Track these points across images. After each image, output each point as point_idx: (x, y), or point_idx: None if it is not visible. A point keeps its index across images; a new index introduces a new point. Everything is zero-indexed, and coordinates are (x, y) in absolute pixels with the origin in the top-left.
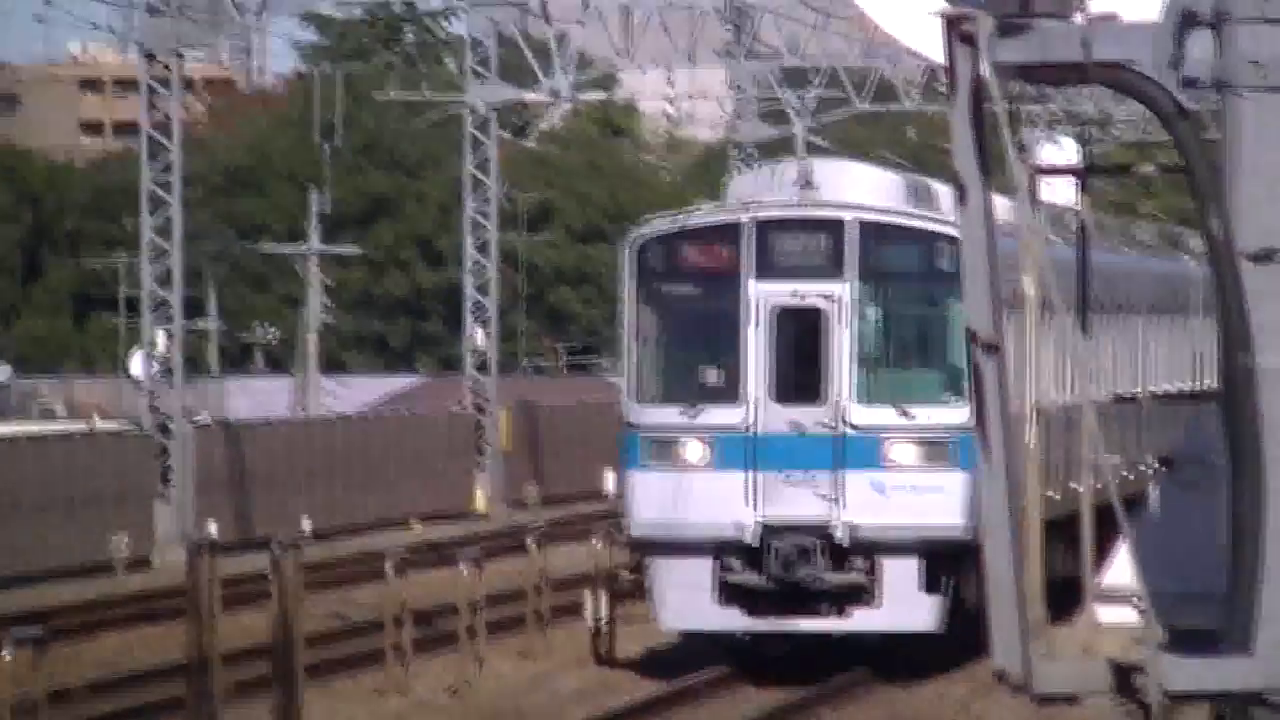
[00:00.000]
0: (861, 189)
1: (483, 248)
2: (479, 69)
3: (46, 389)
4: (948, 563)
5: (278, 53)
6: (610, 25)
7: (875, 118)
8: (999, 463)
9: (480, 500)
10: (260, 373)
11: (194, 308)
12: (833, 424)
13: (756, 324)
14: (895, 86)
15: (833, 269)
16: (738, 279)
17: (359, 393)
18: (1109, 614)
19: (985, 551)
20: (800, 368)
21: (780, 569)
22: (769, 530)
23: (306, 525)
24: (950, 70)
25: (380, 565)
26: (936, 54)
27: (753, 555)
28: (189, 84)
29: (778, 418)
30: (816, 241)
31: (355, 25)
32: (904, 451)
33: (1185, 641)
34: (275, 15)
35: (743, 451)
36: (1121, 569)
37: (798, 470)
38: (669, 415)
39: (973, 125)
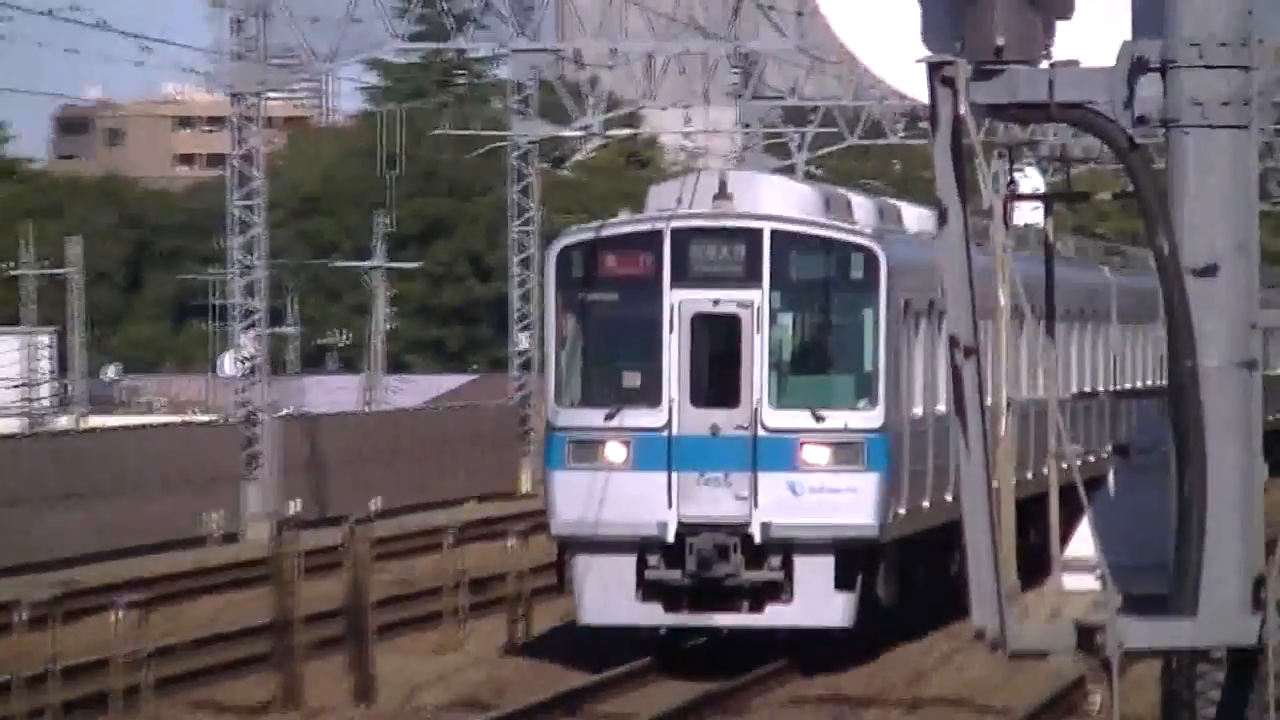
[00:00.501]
0: (777, 200)
1: (526, 262)
2: (521, 108)
3: (148, 385)
4: (859, 560)
5: (346, 94)
6: (635, 70)
7: (865, 151)
8: (977, 451)
9: (525, 482)
10: (333, 372)
11: (276, 315)
12: (748, 426)
13: (674, 329)
14: (882, 123)
15: (749, 277)
16: (657, 286)
17: (419, 389)
18: (1073, 581)
19: (965, 526)
20: (717, 372)
21: (698, 566)
22: (687, 528)
23: (375, 504)
24: (932, 109)
25: (439, 538)
26: (920, 95)
27: (671, 553)
28: (270, 120)
29: (695, 420)
30: (733, 250)
31: (413, 69)
32: (817, 453)
33: (1139, 605)
34: (344, 61)
35: (662, 452)
36: (1083, 542)
37: (715, 471)
38: (590, 417)
39: (952, 157)
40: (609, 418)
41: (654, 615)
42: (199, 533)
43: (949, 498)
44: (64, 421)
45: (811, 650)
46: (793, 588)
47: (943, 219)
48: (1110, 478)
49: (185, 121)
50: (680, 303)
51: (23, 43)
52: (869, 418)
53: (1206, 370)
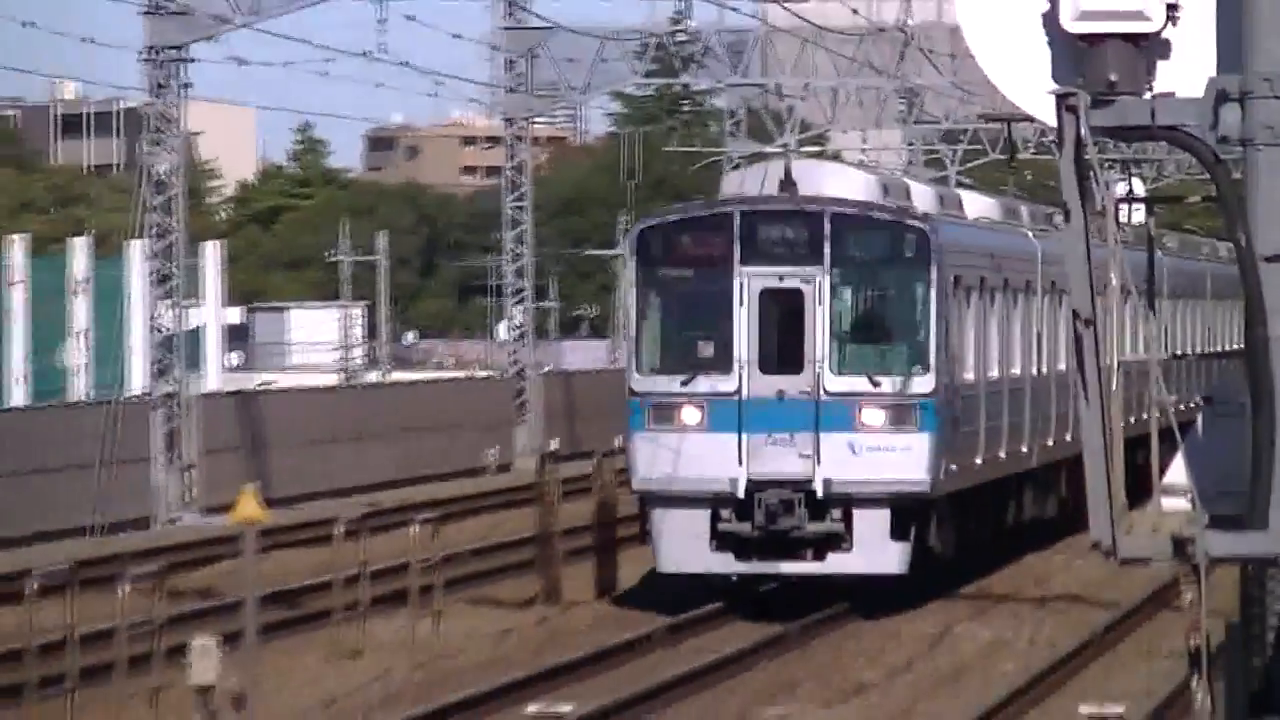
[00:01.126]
0: (838, 186)
1: None
2: (733, 130)
3: (439, 348)
4: (913, 513)
5: (596, 119)
6: (823, 100)
7: (1004, 164)
8: (1095, 400)
9: None
10: (585, 337)
11: (539, 292)
12: (811, 391)
13: (744, 303)
14: (1018, 142)
15: (811, 255)
16: (728, 264)
17: None
18: (1170, 504)
19: (1086, 460)
20: (783, 342)
21: (766, 519)
22: (756, 485)
23: (617, 441)
24: (1060, 131)
25: None
26: (1050, 119)
27: (742, 507)
28: (535, 140)
29: (763, 386)
30: (796, 231)
31: (649, 100)
32: (874, 415)
33: (1222, 523)
34: (595, 93)
35: (733, 415)
36: (1178, 472)
37: (781, 432)
38: (668, 384)
39: (1075, 169)
40: (685, 384)
41: (726, 564)
42: (479, 465)
43: (1002, 454)
44: (372, 376)
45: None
46: (852, 538)
47: (1067, 217)
48: (1198, 422)
49: (469, 141)
50: (749, 279)
51: (342, 79)
52: (921, 383)
53: (1276, 337)
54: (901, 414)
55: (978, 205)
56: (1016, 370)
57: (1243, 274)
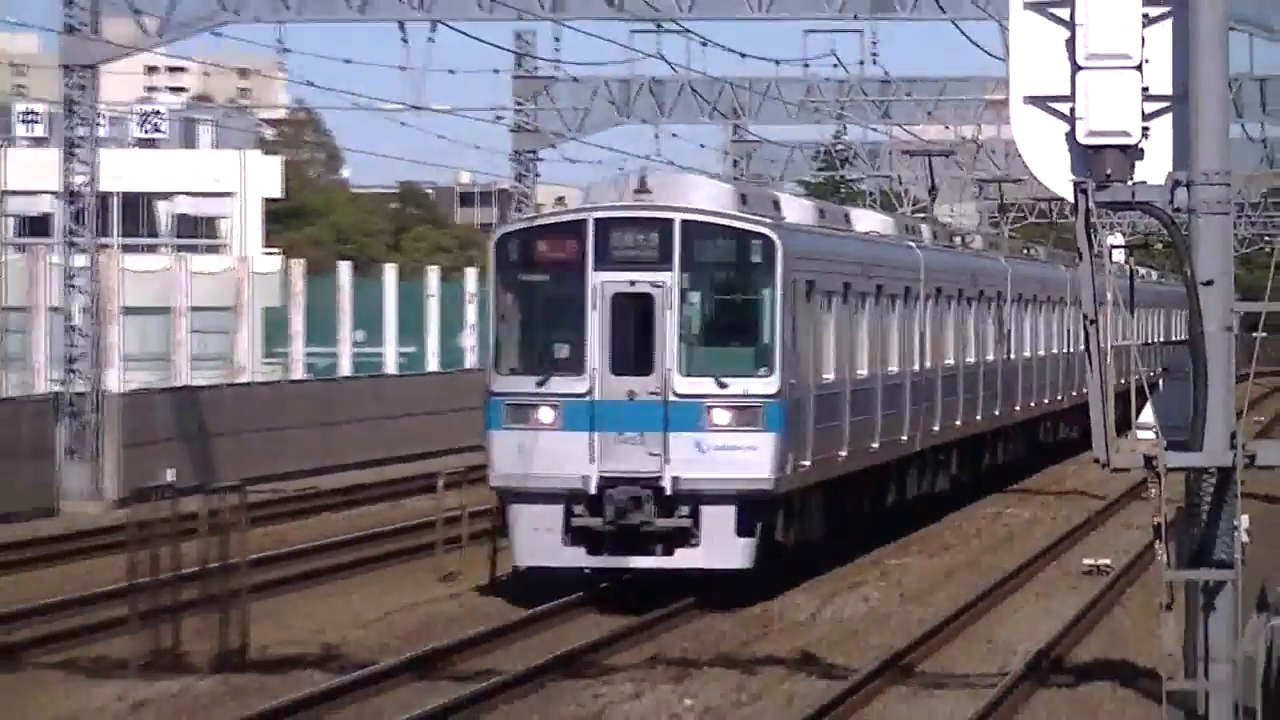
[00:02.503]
0: (693, 196)
1: None
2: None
3: None
4: (758, 509)
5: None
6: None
7: (1036, 224)
8: (1098, 367)
9: None
10: None
11: None
12: (661, 392)
13: (596, 307)
14: (1049, 208)
15: (661, 260)
16: (582, 269)
17: None
18: (1142, 434)
19: (1090, 405)
20: (634, 344)
21: (616, 514)
22: (607, 481)
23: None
24: (1076, 204)
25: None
26: (1069, 196)
27: (594, 503)
28: None
29: (615, 387)
30: (648, 237)
31: (821, 185)
32: (720, 416)
33: (1175, 446)
34: (788, 180)
35: (586, 415)
36: (1147, 415)
37: (632, 431)
38: (524, 384)
39: (1085, 227)
40: (540, 384)
41: (579, 558)
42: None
43: (875, 444)
44: None
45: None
46: (700, 534)
47: (1080, 258)
48: (1160, 384)
49: None
50: (602, 283)
51: None
52: (766, 384)
53: (1209, 332)
54: (747, 414)
55: (869, 222)
56: (894, 368)
57: (1188, 292)
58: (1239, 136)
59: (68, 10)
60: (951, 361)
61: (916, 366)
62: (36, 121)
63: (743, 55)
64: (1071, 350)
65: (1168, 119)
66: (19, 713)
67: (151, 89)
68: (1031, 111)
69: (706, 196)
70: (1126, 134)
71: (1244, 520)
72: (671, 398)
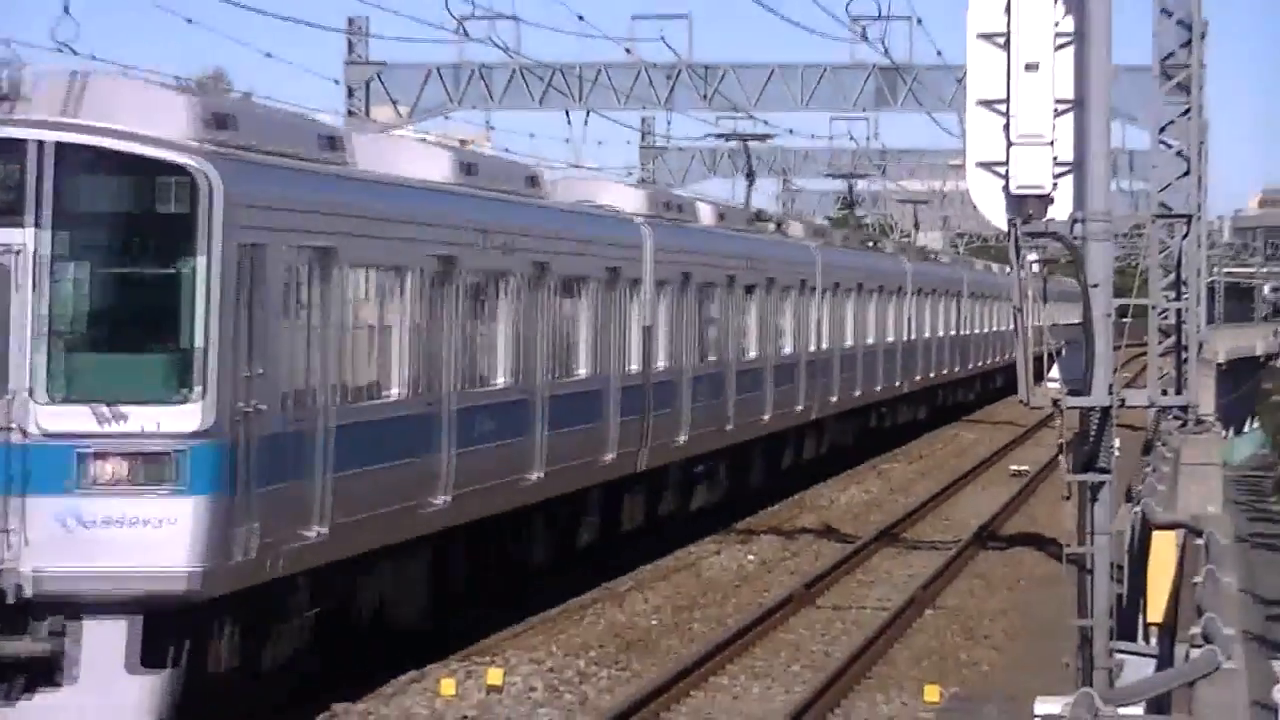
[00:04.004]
0: (135, 112)
1: None
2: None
3: None
4: (175, 625)
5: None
6: (907, 219)
7: (984, 246)
8: (1024, 345)
9: None
10: None
11: None
12: (9, 428)
13: None
14: (993, 235)
15: (15, 209)
16: None
17: None
18: (1051, 384)
19: (1018, 371)
20: None
21: None
22: None
23: None
24: (1010, 234)
25: None
26: (1004, 227)
27: None
28: None
29: None
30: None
31: (837, 221)
32: (112, 468)
33: (1073, 393)
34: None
35: None
36: (1055, 371)
37: None
38: None
39: (1015, 249)
40: None
41: None
42: None
43: (765, 418)
44: None
45: None
46: (75, 664)
47: (1010, 269)
48: (1064, 351)
49: None
50: None
51: None
52: (188, 415)
53: (1096, 318)
54: (157, 467)
55: (709, 215)
56: (788, 349)
57: (1083, 292)
58: (1115, 190)
59: (350, 100)
60: (851, 343)
61: (813, 347)
62: None
63: (790, 131)
64: (967, 332)
65: (1069, 178)
66: None
67: None
68: (981, 172)
69: (145, 110)
70: (1042, 188)
71: (1116, 441)
72: (26, 438)
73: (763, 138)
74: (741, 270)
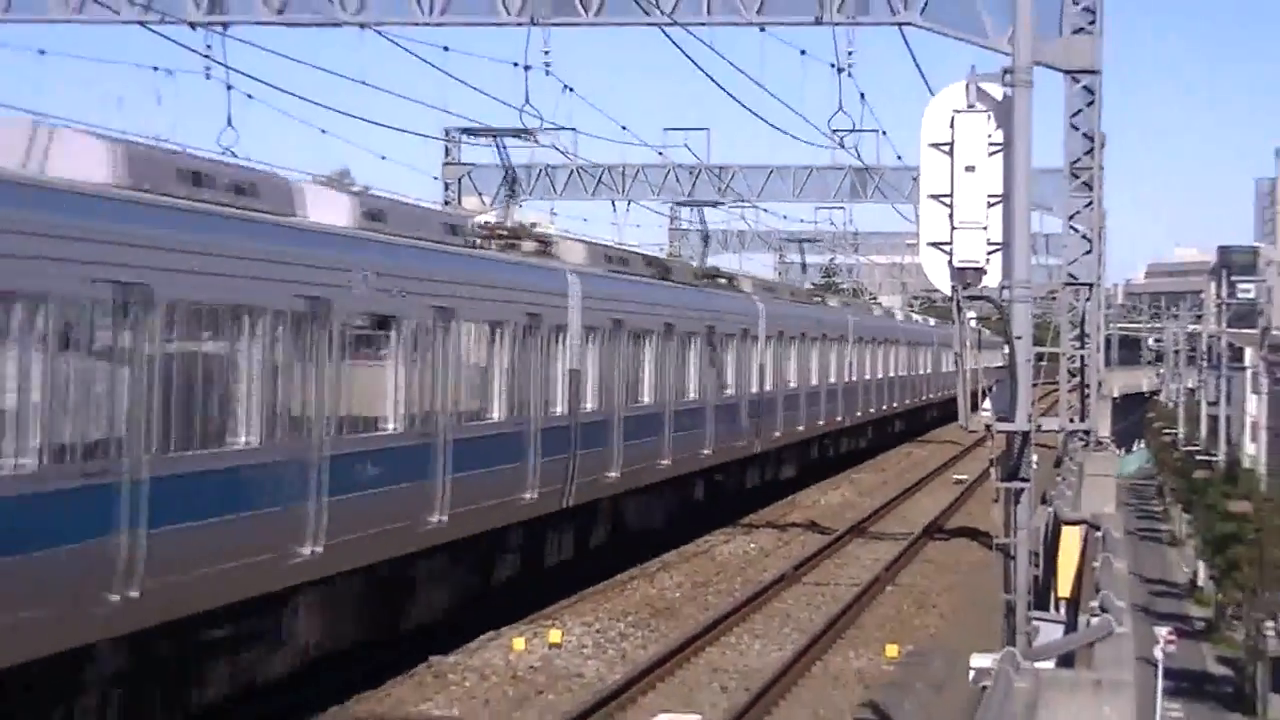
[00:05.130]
0: None
1: None
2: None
3: None
4: None
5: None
6: (873, 285)
7: (931, 305)
8: (962, 378)
9: None
10: None
11: None
12: None
13: None
14: (940, 297)
15: None
16: None
17: None
18: (985, 413)
19: (959, 396)
20: None
21: None
22: None
23: None
24: (953, 297)
25: None
26: (949, 291)
27: None
28: None
29: None
30: None
31: (816, 288)
32: None
33: (1002, 419)
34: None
35: None
36: (988, 404)
37: None
38: None
39: (957, 309)
40: None
41: None
42: None
43: (707, 451)
44: None
45: None
46: None
47: (953, 322)
48: (995, 387)
49: None
50: None
51: None
52: None
53: (1019, 363)
54: None
55: (648, 269)
56: (730, 391)
57: (1008, 342)
58: (1035, 264)
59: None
60: (795, 384)
61: (755, 389)
62: None
63: (784, 219)
64: (905, 374)
65: (999, 255)
66: None
67: None
68: (931, 250)
69: None
70: (978, 262)
71: (1034, 458)
72: None
73: (713, 203)
74: (679, 319)
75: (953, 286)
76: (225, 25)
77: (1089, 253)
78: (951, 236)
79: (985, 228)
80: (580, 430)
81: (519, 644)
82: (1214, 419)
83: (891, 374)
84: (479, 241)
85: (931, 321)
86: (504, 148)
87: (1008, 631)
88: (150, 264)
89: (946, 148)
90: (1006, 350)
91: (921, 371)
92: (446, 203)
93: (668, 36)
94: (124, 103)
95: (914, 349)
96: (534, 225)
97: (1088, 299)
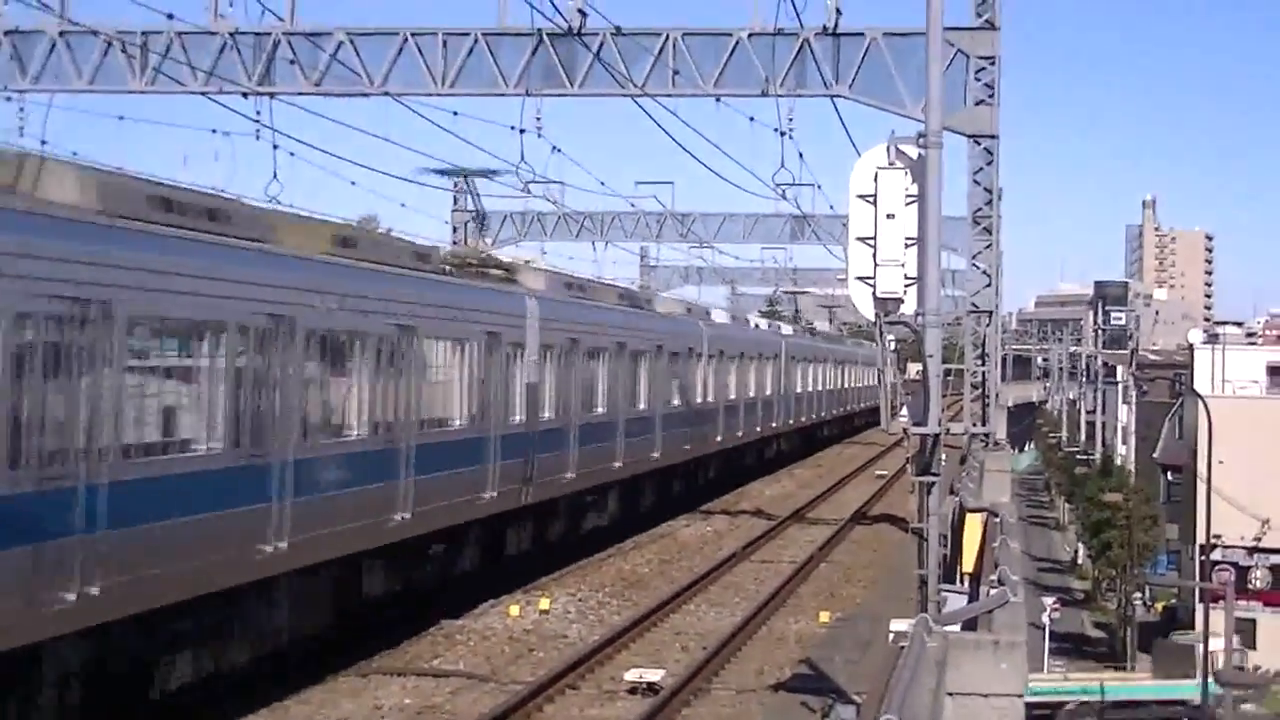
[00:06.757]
0: None
1: None
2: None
3: None
4: None
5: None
6: (813, 315)
7: (858, 330)
8: (884, 390)
9: None
10: None
11: None
12: None
13: None
14: (866, 323)
15: None
16: None
17: None
18: (902, 419)
19: (880, 404)
20: None
21: None
22: None
23: None
24: (876, 323)
25: None
26: (872, 318)
27: None
28: None
29: None
30: None
31: (767, 312)
32: None
33: (917, 424)
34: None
35: None
36: (904, 411)
37: None
38: None
39: (879, 333)
40: None
41: None
42: None
43: (618, 464)
44: None
45: None
46: None
47: (878, 346)
48: (911, 396)
49: None
50: None
51: None
52: None
53: (931, 377)
54: None
55: (607, 295)
56: (675, 401)
57: (922, 360)
58: (944, 295)
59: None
60: (733, 396)
61: (699, 400)
62: None
63: (736, 258)
64: (835, 387)
65: (914, 288)
66: None
67: None
68: (858, 283)
69: None
70: (897, 294)
71: (943, 456)
72: None
73: (676, 244)
74: (631, 338)
75: (876, 314)
76: (273, 95)
77: (989, 286)
78: (875, 272)
79: (903, 265)
80: (538, 436)
81: (515, 610)
82: (1091, 425)
83: (821, 387)
84: (449, 269)
85: (864, 343)
86: (474, 188)
87: (921, 600)
88: (111, 281)
89: (871, 198)
90: (920, 367)
91: (848, 385)
92: (454, 242)
93: (639, 105)
94: (188, 160)
95: (839, 365)
96: (529, 262)
97: (987, 324)
